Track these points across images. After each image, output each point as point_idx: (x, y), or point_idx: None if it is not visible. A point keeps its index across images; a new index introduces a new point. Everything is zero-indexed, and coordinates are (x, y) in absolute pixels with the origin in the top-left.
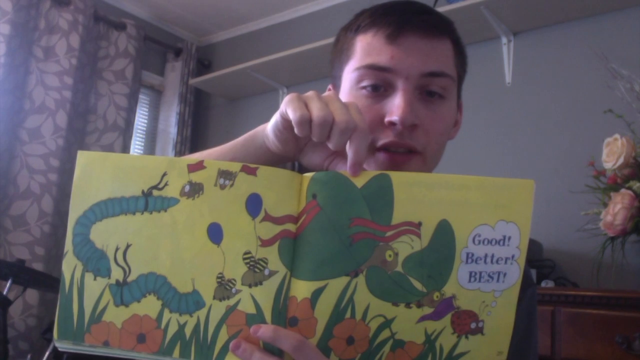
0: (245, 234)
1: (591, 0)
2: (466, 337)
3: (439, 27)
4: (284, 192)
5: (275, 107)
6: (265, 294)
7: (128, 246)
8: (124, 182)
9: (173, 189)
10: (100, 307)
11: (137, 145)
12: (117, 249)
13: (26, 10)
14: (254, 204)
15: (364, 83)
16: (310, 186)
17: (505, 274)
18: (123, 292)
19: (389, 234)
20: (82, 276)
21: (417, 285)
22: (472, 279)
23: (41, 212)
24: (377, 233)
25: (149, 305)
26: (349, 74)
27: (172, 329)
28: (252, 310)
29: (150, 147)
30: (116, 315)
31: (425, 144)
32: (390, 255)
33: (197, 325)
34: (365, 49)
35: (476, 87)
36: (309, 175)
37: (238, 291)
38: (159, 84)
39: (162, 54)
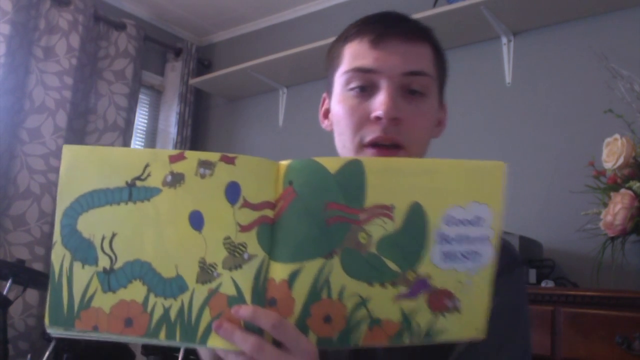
0: (225, 221)
1: (591, 0)
2: (443, 315)
3: (418, 32)
4: (261, 179)
5: (276, 107)
6: (245, 277)
7: (114, 235)
8: (108, 174)
9: (155, 180)
10: (89, 294)
11: (137, 145)
12: (103, 238)
13: (26, 10)
14: (232, 192)
15: (352, 85)
16: (287, 173)
17: (479, 254)
18: (110, 279)
19: (362, 217)
20: (71, 265)
21: (392, 265)
22: (447, 259)
23: (41, 212)
24: (351, 216)
25: (135, 291)
26: (339, 78)
27: (158, 313)
28: (232, 292)
29: (150, 147)
30: (104, 301)
31: (409, 138)
32: (364, 238)
33: (181, 308)
34: (352, 54)
35: (476, 87)
36: (285, 162)
37: (219, 275)
38: (159, 84)
39: (162, 54)
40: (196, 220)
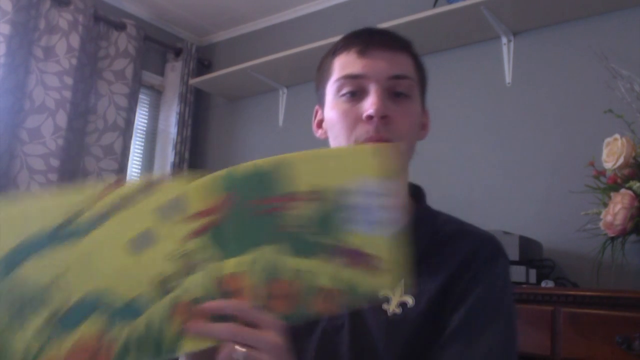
0: (175, 233)
1: (591, 0)
2: (373, 274)
3: (399, 43)
4: (202, 189)
5: (276, 107)
6: (202, 279)
7: (60, 276)
8: (38, 220)
9: (93, 212)
10: (35, 348)
11: (137, 145)
12: (51, 282)
13: (26, 10)
14: (176, 206)
15: (343, 91)
16: (225, 179)
17: (388, 219)
18: (63, 320)
19: (290, 204)
20: (10, 323)
21: (324, 240)
22: (365, 226)
23: None
24: (281, 205)
25: (94, 324)
26: (330, 88)
27: (121, 338)
28: (194, 296)
29: (150, 147)
30: (57, 349)
31: (398, 135)
32: (297, 221)
33: (146, 326)
34: (342, 65)
35: (476, 87)
36: (222, 171)
37: (178, 284)
38: (159, 84)
39: (162, 54)
40: (145, 239)
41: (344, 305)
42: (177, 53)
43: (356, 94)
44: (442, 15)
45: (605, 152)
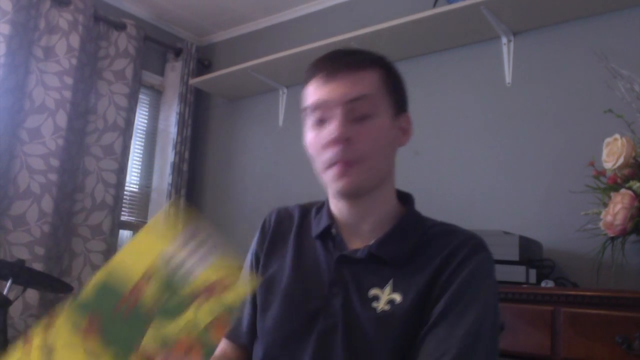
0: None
1: (591, 0)
2: (228, 290)
3: (362, 62)
4: (66, 329)
5: (276, 107)
6: None
7: None
8: None
9: None
10: None
11: (137, 145)
12: None
13: (26, 10)
14: (48, 352)
15: (312, 119)
16: (78, 308)
17: (206, 252)
18: None
19: (139, 292)
20: None
21: (181, 297)
22: (196, 268)
23: (41, 212)
24: (134, 298)
25: None
26: (305, 117)
27: None
28: None
29: (150, 147)
30: None
31: (363, 153)
32: (152, 300)
33: None
34: (310, 93)
35: (476, 87)
36: (71, 303)
37: None
38: (159, 84)
39: (162, 54)
40: None
41: (232, 319)
42: (177, 53)
43: (322, 121)
44: (442, 15)
45: (605, 152)
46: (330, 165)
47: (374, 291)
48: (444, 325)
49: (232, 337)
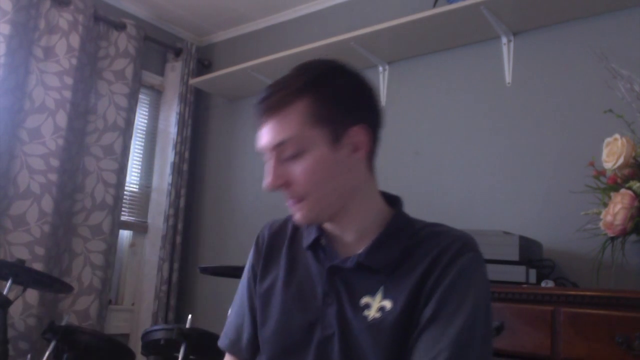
0: None
1: (591, 0)
2: None
3: (286, 99)
4: None
5: None
6: None
7: None
8: None
9: None
10: None
11: (137, 145)
12: None
13: (26, 10)
14: None
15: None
16: None
17: None
18: None
19: None
20: None
21: None
22: None
23: (41, 212)
24: None
25: None
26: None
27: None
28: None
29: (150, 147)
30: None
31: (303, 192)
32: None
33: None
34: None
35: (476, 87)
36: None
37: None
38: (159, 84)
39: (162, 54)
40: None
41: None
42: (177, 53)
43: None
44: (442, 15)
45: (605, 152)
46: (286, 199)
47: (365, 299)
48: (435, 328)
49: (233, 350)
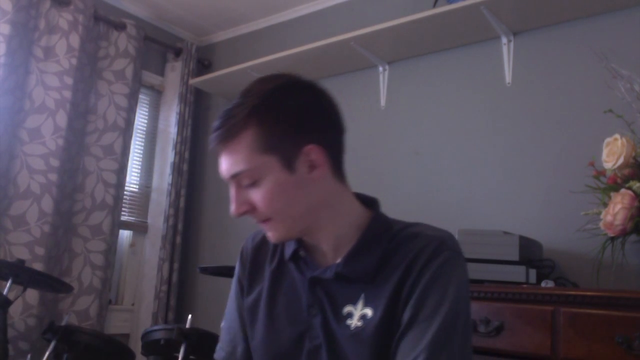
0: None
1: (591, 0)
2: None
3: (233, 130)
4: None
5: None
6: None
7: None
8: None
9: None
10: None
11: (137, 145)
12: None
13: (26, 10)
14: None
15: None
16: None
17: None
18: None
19: None
20: None
21: None
22: None
23: (41, 212)
24: None
25: None
26: None
27: None
28: None
29: (150, 147)
30: None
31: (267, 214)
32: None
33: None
34: None
35: (476, 87)
36: None
37: None
38: (159, 84)
39: (162, 54)
40: None
41: None
42: (177, 53)
43: None
44: (442, 15)
45: (605, 152)
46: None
47: (347, 308)
48: (415, 331)
49: None
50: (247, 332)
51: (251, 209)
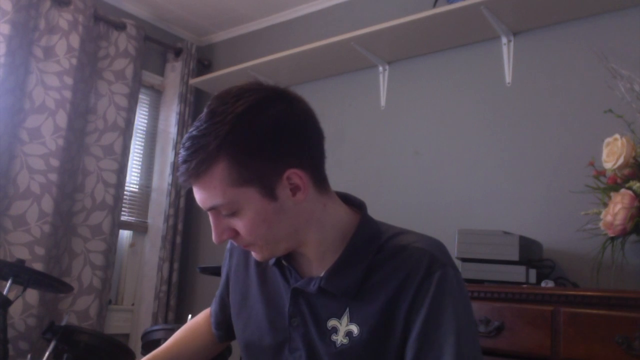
0: None
1: (591, 0)
2: None
3: (202, 165)
4: None
5: None
6: None
7: None
8: None
9: None
10: None
11: (137, 145)
12: None
13: (26, 10)
14: None
15: None
16: None
17: None
18: None
19: None
20: None
21: None
22: None
23: (41, 212)
24: None
25: None
26: None
27: None
28: None
29: (150, 147)
30: None
31: (250, 241)
32: None
33: None
34: None
35: (476, 87)
36: None
37: None
38: (159, 84)
39: (162, 54)
40: None
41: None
42: (177, 53)
43: None
44: (442, 15)
45: (605, 152)
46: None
47: (332, 322)
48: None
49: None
50: (234, 327)
51: (234, 235)
